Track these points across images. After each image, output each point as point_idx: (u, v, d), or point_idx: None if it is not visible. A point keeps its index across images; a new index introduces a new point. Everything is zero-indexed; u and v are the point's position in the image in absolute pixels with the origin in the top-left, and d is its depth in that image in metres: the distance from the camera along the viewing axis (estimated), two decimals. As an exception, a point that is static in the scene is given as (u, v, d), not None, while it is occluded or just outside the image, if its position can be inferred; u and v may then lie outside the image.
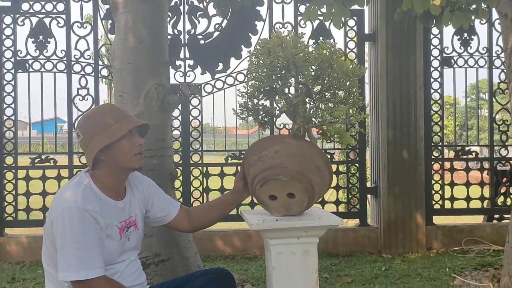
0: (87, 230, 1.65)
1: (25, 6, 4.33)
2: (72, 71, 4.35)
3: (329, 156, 4.53)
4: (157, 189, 2.05)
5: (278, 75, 1.86)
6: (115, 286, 1.73)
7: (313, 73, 1.84)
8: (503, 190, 4.66)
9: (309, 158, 1.85)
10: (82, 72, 4.35)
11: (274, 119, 1.96)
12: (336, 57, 1.81)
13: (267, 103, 2.02)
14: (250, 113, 1.93)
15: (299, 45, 1.81)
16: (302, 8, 4.39)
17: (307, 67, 1.80)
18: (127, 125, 1.78)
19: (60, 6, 4.34)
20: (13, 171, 4.33)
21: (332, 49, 1.82)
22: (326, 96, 1.85)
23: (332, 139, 1.92)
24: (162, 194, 2.06)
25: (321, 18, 3.93)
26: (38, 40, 4.33)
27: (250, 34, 4.34)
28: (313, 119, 1.88)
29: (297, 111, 1.85)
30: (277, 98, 1.92)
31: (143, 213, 1.97)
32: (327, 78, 1.81)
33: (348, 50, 4.52)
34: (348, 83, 1.84)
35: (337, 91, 1.84)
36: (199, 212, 2.15)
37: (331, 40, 4.41)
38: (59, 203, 1.68)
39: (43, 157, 4.36)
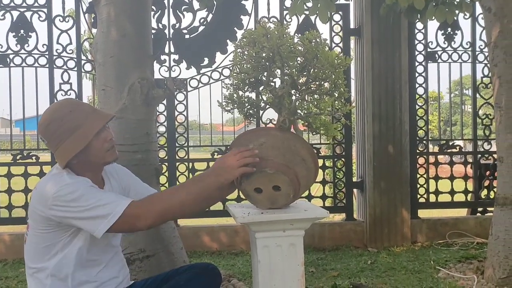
0: (89, 190, 1.65)
1: (5, 0, 4.24)
2: (54, 66, 4.28)
3: (315, 151, 4.53)
4: (132, 177, 2.01)
5: (264, 66, 1.84)
6: (147, 202, 1.70)
7: (298, 64, 1.82)
8: (486, 183, 4.71)
9: (295, 151, 1.84)
10: (65, 67, 4.28)
11: (260, 111, 1.95)
12: (322, 47, 1.80)
13: (253, 95, 2.00)
14: (235, 105, 1.91)
15: (284, 36, 1.79)
16: (287, 2, 4.38)
17: (292, 58, 1.79)
18: (92, 128, 1.70)
19: (42, 0, 4.26)
20: (-6, 168, 4.26)
21: (318, 40, 1.81)
22: (312, 88, 1.84)
23: (317, 131, 1.91)
24: (138, 181, 2.03)
25: (307, 12, 3.95)
26: (19, 34, 4.24)
27: (235, 28, 4.30)
28: (299, 111, 1.87)
29: (282, 103, 1.84)
30: (262, 90, 1.90)
31: None
32: (312, 69, 1.80)
33: (333, 45, 4.52)
34: (333, 75, 1.83)
35: (322, 82, 1.83)
36: None
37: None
38: (49, 192, 1.63)
39: (25, 153, 4.29)
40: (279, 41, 1.77)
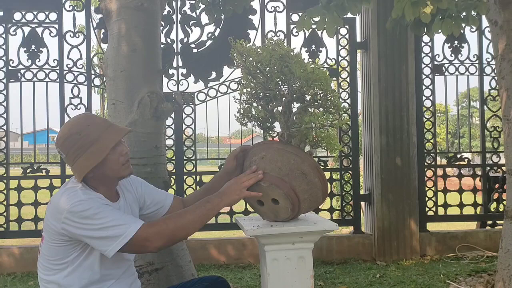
0: (102, 208, 1.66)
1: (17, 16, 4.33)
2: (65, 80, 4.34)
3: (322, 164, 4.53)
4: (146, 185, 2.02)
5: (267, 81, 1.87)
6: (158, 225, 1.70)
7: (276, 79, 1.83)
8: (495, 196, 4.68)
9: (294, 164, 1.83)
10: (75, 81, 4.35)
11: (268, 124, 1.96)
12: (295, 62, 1.80)
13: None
14: (252, 119, 1.94)
15: (268, 52, 1.81)
16: (294, 17, 4.43)
17: (276, 74, 1.80)
18: (108, 142, 1.72)
19: (53, 16, 4.34)
20: (5, 181, 4.29)
21: (291, 54, 1.82)
22: (292, 101, 1.85)
23: (318, 145, 1.90)
24: (153, 188, 2.04)
25: (314, 26, 3.99)
26: (31, 50, 4.32)
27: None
28: (295, 125, 1.86)
29: (275, 117, 1.86)
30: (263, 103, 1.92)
31: (137, 212, 1.95)
32: (293, 84, 1.82)
33: (340, 58, 4.55)
34: (312, 89, 1.82)
35: (305, 95, 1.84)
36: (193, 201, 2.11)
37: (323, 48, 4.47)
38: (62, 207, 1.65)
39: (35, 167, 4.33)
40: (256, 58, 1.80)
